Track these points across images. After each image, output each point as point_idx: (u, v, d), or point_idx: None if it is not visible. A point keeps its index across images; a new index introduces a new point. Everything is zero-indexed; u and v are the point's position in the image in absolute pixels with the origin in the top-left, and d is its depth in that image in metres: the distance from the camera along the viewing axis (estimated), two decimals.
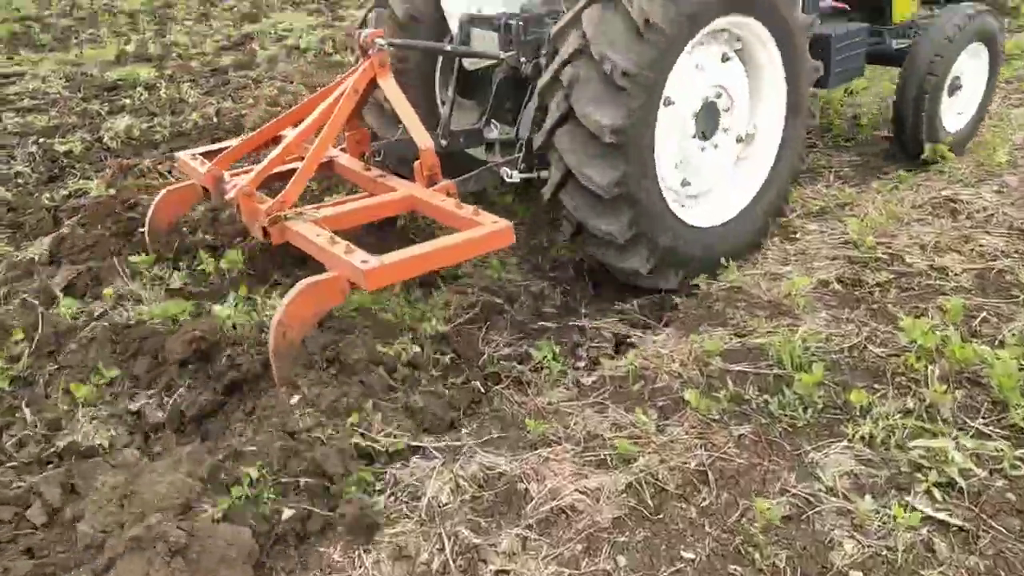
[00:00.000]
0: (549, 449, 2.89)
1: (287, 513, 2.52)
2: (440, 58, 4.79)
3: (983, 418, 2.95)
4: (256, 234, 3.65)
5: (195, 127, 7.10)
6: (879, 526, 2.49)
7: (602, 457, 2.84)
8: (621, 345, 3.72)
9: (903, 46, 5.37)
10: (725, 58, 3.96)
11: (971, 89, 5.49)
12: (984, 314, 3.62)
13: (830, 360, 3.31)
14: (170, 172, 5.61)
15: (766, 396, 3.11)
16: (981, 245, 4.26)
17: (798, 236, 4.55)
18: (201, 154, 4.24)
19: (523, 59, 4.00)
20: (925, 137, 5.25)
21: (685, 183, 4.04)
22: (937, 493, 2.59)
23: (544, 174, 3.81)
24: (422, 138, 3.86)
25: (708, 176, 4.13)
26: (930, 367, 3.12)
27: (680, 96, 3.79)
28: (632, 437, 2.92)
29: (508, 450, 2.90)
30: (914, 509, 2.53)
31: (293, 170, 3.76)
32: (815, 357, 3.30)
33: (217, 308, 3.58)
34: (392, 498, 2.70)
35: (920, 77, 5.08)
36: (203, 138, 6.67)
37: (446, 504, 2.65)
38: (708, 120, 4.00)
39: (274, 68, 9.32)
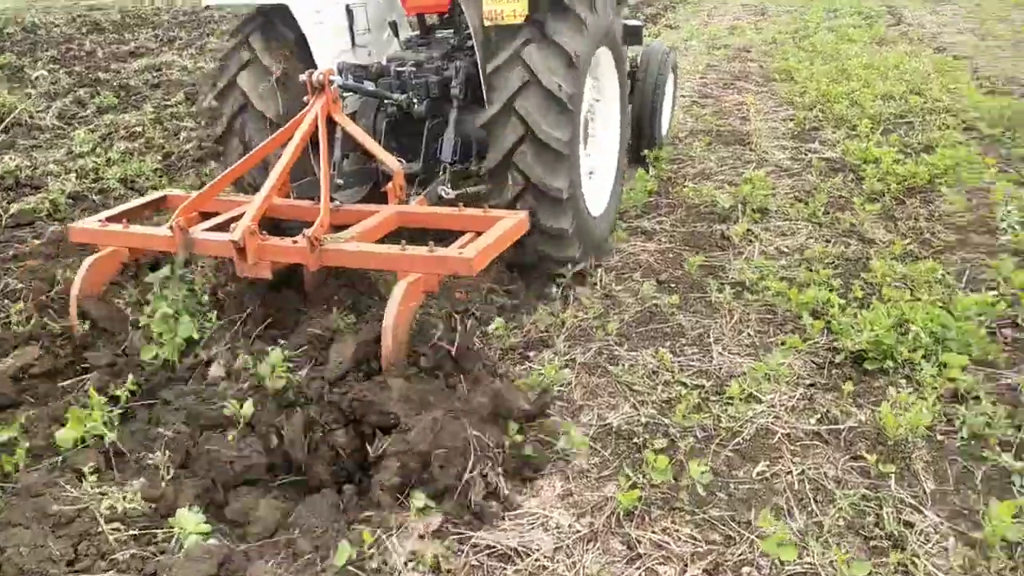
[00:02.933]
0: None
1: None
2: None
3: None
4: (261, 272, 3.50)
5: None
6: None
7: None
8: None
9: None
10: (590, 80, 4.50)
11: (668, 101, 6.70)
12: None
13: None
14: None
15: None
16: None
17: None
18: (108, 219, 3.98)
19: (415, 100, 4.36)
20: (657, 139, 6.34)
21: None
22: None
23: (471, 189, 4.23)
24: (391, 162, 3.99)
25: (588, 174, 4.59)
26: None
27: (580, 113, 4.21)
28: None
29: None
30: None
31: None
32: None
33: None
34: None
35: (651, 96, 6.16)
36: None
37: None
38: (584, 132, 4.52)
39: None
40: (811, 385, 3.45)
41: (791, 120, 7.67)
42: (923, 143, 6.53)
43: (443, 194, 4.17)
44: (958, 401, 3.25)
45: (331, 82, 3.87)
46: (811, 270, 4.42)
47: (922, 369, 3.39)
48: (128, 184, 6.59)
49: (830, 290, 4.10)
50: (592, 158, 4.77)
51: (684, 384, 3.45)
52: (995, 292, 3.88)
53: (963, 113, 7.15)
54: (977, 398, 3.23)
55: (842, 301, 3.96)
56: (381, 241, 3.72)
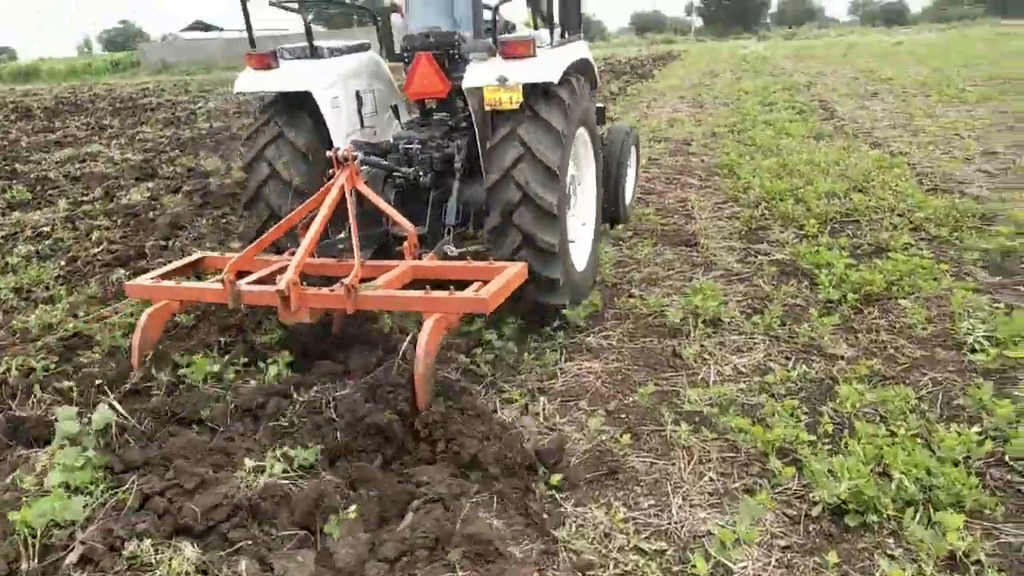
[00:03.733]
0: None
1: None
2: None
3: None
4: (300, 318, 3.90)
5: None
6: None
7: None
8: None
9: None
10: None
11: (631, 175, 7.07)
12: None
13: None
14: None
15: None
16: None
17: None
18: (160, 276, 4.40)
19: (421, 173, 4.94)
20: (621, 206, 6.59)
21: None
22: None
23: (472, 248, 5.09)
24: (407, 225, 4.45)
25: (572, 235, 5.02)
26: None
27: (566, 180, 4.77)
28: None
29: None
30: None
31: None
32: None
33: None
34: None
35: (615, 168, 6.41)
36: None
37: None
38: (569, 197, 5.05)
39: None
40: (787, 547, 2.95)
41: (737, 218, 7.41)
42: (873, 244, 6.28)
43: (449, 252, 4.68)
44: (957, 568, 2.78)
45: (355, 157, 4.30)
46: (774, 396, 3.98)
47: (909, 527, 2.92)
48: (23, 295, 5.91)
49: (797, 422, 3.66)
50: (575, 220, 5.32)
51: (642, 551, 2.92)
52: (978, 428, 3.47)
53: (909, 213, 6.97)
54: (979, 563, 2.77)
55: (811, 438, 3.51)
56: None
